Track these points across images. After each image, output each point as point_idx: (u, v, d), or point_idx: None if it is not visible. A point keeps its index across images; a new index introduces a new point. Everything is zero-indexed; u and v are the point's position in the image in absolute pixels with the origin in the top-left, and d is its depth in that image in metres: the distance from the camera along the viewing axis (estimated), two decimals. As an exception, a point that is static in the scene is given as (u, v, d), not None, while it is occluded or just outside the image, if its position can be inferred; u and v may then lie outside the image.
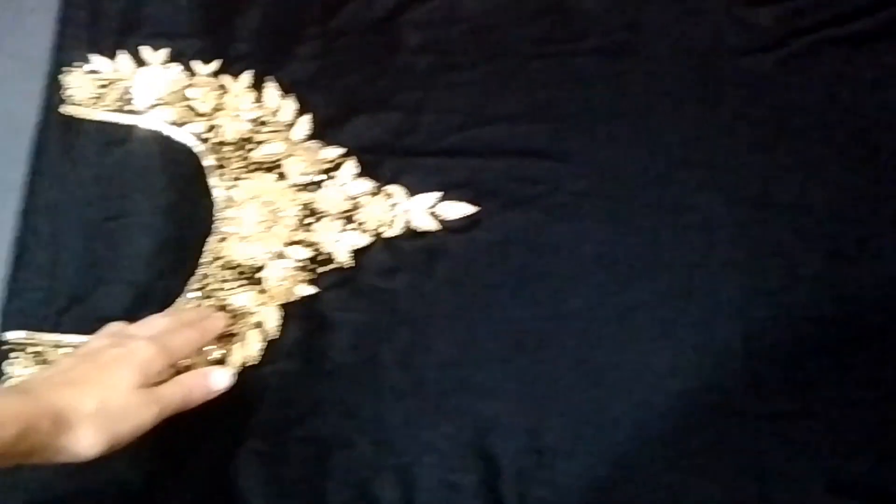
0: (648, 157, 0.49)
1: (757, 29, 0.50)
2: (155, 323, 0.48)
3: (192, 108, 0.53)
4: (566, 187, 0.50)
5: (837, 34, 0.49)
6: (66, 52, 0.55)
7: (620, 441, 0.46)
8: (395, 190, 0.50)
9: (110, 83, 0.54)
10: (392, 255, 0.50)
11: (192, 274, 0.50)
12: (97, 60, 0.54)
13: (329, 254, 0.50)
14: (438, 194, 0.50)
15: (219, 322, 0.50)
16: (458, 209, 0.50)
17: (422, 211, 0.50)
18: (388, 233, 0.50)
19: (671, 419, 0.46)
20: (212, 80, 0.54)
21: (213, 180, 0.52)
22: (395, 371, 0.48)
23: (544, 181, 0.50)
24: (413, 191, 0.51)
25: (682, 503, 0.45)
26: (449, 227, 0.50)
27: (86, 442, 0.41)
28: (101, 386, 0.43)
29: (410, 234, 0.50)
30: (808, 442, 0.45)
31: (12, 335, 0.51)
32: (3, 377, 0.51)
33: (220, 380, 0.48)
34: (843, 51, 0.49)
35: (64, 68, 0.55)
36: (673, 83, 0.50)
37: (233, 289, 0.50)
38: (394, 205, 0.50)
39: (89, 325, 0.49)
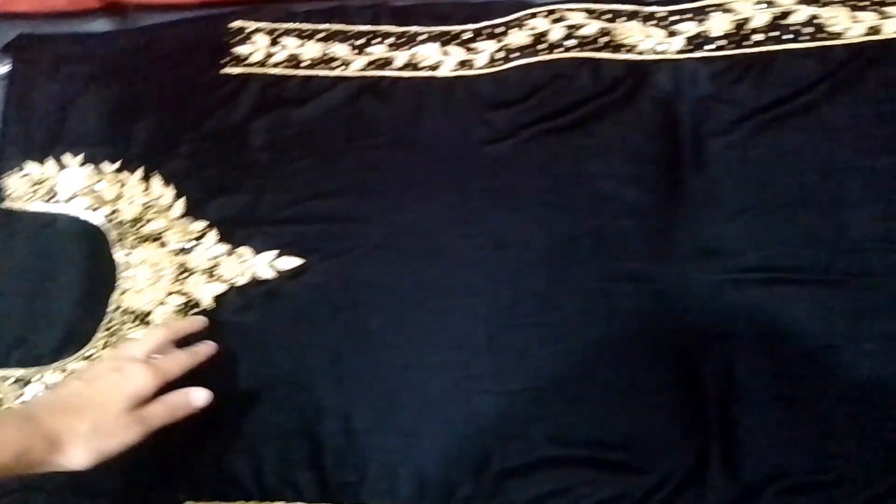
0: (425, 218, 0.64)
1: (495, 126, 0.65)
2: (152, 338, 0.56)
3: (100, 197, 0.68)
4: (368, 242, 0.64)
5: (549, 127, 0.64)
6: (5, 160, 0.70)
7: (406, 421, 0.61)
8: (245, 251, 0.65)
9: (40, 182, 0.69)
10: (243, 298, 0.64)
11: (102, 319, 0.66)
12: (29, 166, 0.70)
13: (198, 300, 0.65)
14: (276, 252, 0.65)
15: (210, 348, 0.59)
16: (290, 262, 0.64)
17: (264, 264, 0.64)
18: (240, 282, 0.65)
19: (442, 401, 0.61)
20: (115, 175, 0.68)
21: (115, 250, 0.67)
22: (248, 381, 0.63)
23: (352, 238, 0.64)
24: (257, 250, 0.65)
25: (445, 459, 0.59)
26: (284, 276, 0.64)
27: (76, 459, 0.47)
28: (94, 410, 0.49)
29: (256, 282, 0.64)
30: (532, 408, 0.59)
31: (-31, 371, 0.65)
32: (-41, 403, 0.64)
33: (200, 398, 0.55)
34: (552, 138, 0.64)
35: (4, 174, 0.70)
36: (441, 165, 0.65)
37: (130, 328, 0.65)
38: (243, 261, 0.65)
39: (29, 361, 0.64)
